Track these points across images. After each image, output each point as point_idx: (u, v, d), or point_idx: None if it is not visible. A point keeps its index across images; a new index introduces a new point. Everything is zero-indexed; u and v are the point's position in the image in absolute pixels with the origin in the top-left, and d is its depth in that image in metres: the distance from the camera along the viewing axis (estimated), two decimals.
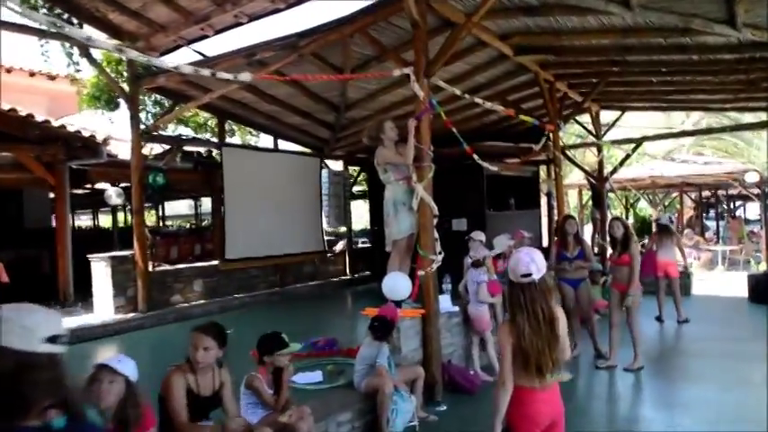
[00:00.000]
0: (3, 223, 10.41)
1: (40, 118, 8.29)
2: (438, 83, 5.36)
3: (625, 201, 21.55)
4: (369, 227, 12.84)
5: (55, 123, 8.39)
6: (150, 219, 20.36)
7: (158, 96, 8.78)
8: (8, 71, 11.26)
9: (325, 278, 12.01)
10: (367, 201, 13.08)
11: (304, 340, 6.31)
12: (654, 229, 9.62)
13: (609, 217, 7.04)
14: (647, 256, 7.54)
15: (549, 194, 10.44)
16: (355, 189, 14.20)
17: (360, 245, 13.95)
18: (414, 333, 5.05)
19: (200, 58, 7.38)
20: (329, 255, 12.15)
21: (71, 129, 8.51)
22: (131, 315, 8.15)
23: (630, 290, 5.62)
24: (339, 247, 13.00)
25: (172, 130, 9.64)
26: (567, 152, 11.05)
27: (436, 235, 5.22)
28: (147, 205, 10.25)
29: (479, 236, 6.59)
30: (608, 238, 6.22)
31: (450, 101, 9.21)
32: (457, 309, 5.84)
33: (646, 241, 10.98)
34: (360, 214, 15.88)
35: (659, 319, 7.90)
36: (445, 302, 5.81)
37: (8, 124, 8.14)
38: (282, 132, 10.80)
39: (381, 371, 4.24)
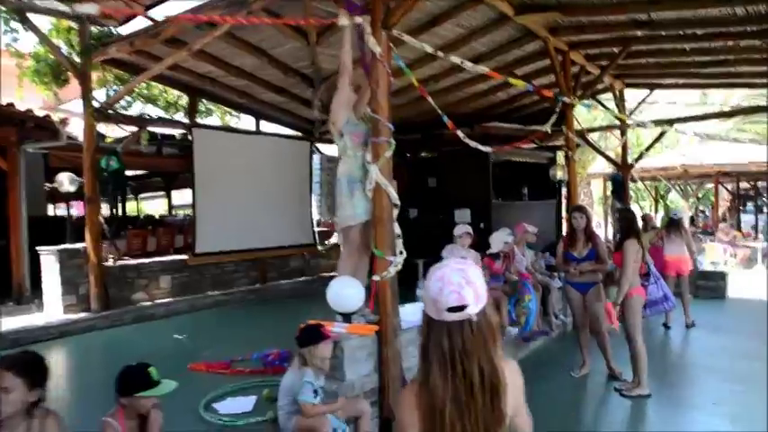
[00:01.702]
0: None
1: None
2: (402, 36, 4.22)
3: (654, 192, 19.99)
4: None
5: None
6: (161, 207, 19.66)
7: (120, 72, 7.79)
8: None
9: (315, 274, 11.00)
10: None
11: (273, 347, 5.35)
12: (660, 224, 8.41)
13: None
14: (651, 253, 6.39)
15: (560, 182, 9.19)
16: None
17: None
18: (365, 356, 3.98)
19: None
20: (321, 248, 11.11)
21: (20, 108, 7.66)
22: (82, 315, 7.26)
23: (618, 294, 4.57)
24: (334, 239, 11.95)
25: (139, 109, 8.73)
26: (587, 136, 9.77)
27: (397, 230, 4.13)
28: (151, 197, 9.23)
29: (460, 231, 5.47)
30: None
31: (446, 74, 8.07)
32: None
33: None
34: None
35: (689, 325, 6.83)
36: (418, 313, 4.72)
37: None
38: (263, 112, 9.78)
39: (306, 409, 3.19)
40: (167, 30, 6.03)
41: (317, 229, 11.24)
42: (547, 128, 6.78)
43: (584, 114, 14.31)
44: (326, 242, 11.56)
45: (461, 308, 1.49)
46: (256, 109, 9.64)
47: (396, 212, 4.11)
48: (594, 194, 19.95)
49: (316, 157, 10.97)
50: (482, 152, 9.30)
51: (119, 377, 2.64)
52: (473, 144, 5.35)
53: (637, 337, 4.54)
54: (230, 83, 8.25)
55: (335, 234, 12.30)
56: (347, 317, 4.14)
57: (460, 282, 1.50)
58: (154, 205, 23.36)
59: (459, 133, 5.14)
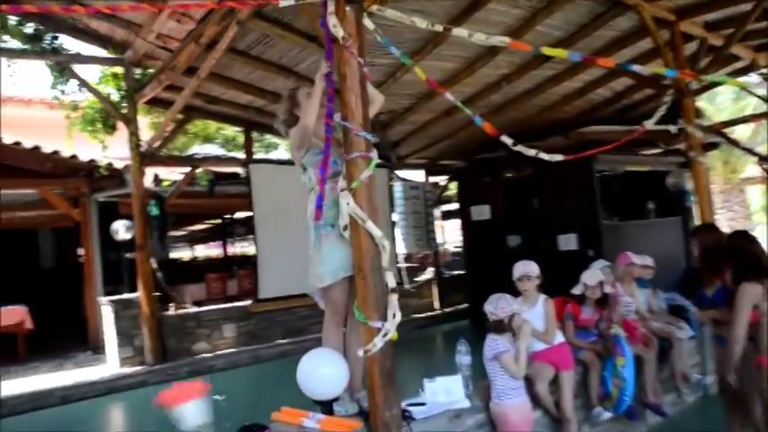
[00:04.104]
0: (18, 264, 10.11)
1: (47, 149, 7.55)
2: (383, 11, 3.07)
3: None
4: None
5: (65, 154, 7.60)
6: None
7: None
8: None
9: (404, 315, 9.78)
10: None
11: None
12: None
13: None
14: None
15: (681, 192, 7.15)
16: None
17: (454, 272, 11.48)
18: None
19: None
20: (408, 287, 9.97)
21: (84, 159, 7.68)
22: (136, 369, 6.86)
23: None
24: (427, 275, 10.77)
25: (197, 149, 8.44)
26: (725, 131, 7.62)
27: (390, 281, 2.91)
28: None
29: (519, 271, 4.01)
30: None
31: (520, 72, 6.67)
32: (468, 403, 3.38)
33: None
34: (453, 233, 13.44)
35: None
36: (454, 390, 3.41)
37: (19, 159, 7.51)
38: None
39: None
40: (181, 57, 5.49)
41: (402, 265, 10.13)
42: (650, 124, 5.09)
43: (730, 106, 11.67)
44: (415, 279, 10.44)
45: None
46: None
47: (385, 257, 2.90)
48: (754, 203, 16.27)
49: (397, 185, 9.95)
50: (586, 165, 7.76)
51: None
52: (530, 152, 3.90)
53: None
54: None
55: (430, 270, 11.17)
56: (327, 405, 2.98)
57: None
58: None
59: (505, 138, 3.76)
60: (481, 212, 9.35)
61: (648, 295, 5.37)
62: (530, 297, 3.97)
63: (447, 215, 10.82)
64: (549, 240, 8.24)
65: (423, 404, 3.26)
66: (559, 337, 3.95)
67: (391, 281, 2.92)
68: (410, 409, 3.11)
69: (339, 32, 2.90)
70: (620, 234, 7.63)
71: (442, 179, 10.97)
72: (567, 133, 7.44)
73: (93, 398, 6.30)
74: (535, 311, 3.91)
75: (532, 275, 3.93)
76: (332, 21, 2.91)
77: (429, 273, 10.77)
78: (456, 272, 11.16)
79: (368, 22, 3.20)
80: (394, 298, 2.90)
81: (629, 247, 6.50)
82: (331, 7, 2.92)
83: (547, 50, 2.92)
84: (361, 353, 2.84)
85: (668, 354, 4.78)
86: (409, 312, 9.97)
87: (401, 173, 10.26)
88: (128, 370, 6.84)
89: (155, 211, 6.87)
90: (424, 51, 5.78)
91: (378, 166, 9.89)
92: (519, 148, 3.84)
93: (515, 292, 3.91)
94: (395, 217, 9.87)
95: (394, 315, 2.87)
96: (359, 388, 3.12)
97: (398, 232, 9.93)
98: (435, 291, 10.38)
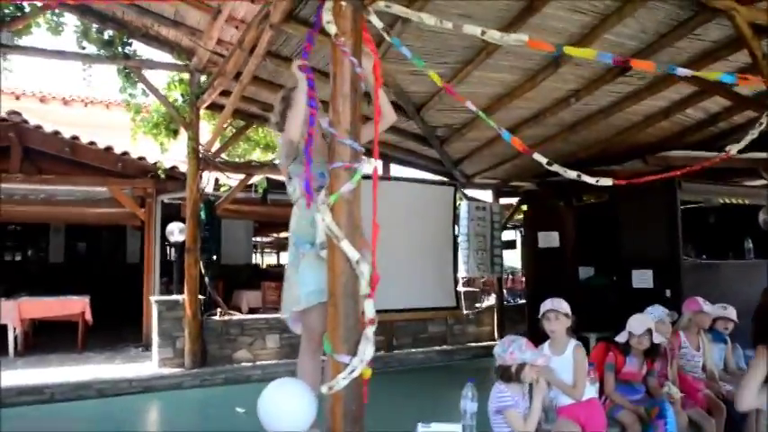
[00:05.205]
0: (104, 259, 10.63)
1: (118, 150, 7.91)
2: (390, 8, 2.73)
3: None
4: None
5: (134, 156, 7.93)
6: None
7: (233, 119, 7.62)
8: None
9: (460, 343, 9.27)
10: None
11: None
12: None
13: None
14: None
15: None
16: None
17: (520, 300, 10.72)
18: None
19: None
20: (467, 312, 9.39)
21: (151, 161, 7.97)
22: (174, 371, 6.89)
23: None
24: (489, 302, 10.13)
25: (257, 155, 8.46)
26: None
27: (369, 311, 2.52)
28: None
29: (545, 307, 3.43)
30: None
31: (590, 87, 6.02)
32: None
33: None
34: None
35: None
36: None
37: (97, 158, 7.93)
38: (391, 155, 8.71)
39: None
40: (229, 63, 5.46)
41: (462, 289, 9.56)
42: (736, 149, 4.29)
43: None
44: (476, 306, 9.83)
45: None
46: (382, 151, 8.64)
47: (364, 284, 2.51)
48: None
49: (463, 205, 9.45)
50: (669, 194, 6.89)
51: None
52: (571, 174, 3.34)
53: None
54: None
55: (493, 296, 10.49)
56: None
57: None
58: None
59: (538, 157, 3.26)
60: (549, 239, 8.64)
61: (726, 351, 4.54)
62: (558, 341, 3.39)
63: (505, 245, 10.13)
64: (622, 275, 7.40)
65: None
66: (591, 392, 3.34)
67: (369, 310, 2.53)
68: None
69: (332, 29, 2.59)
70: (704, 275, 6.67)
71: (512, 201, 10.33)
72: (645, 157, 6.65)
73: (127, 395, 6.38)
74: (563, 359, 3.33)
75: (560, 314, 3.35)
76: (326, 17, 2.61)
77: (491, 299, 10.12)
78: (522, 300, 10.42)
79: (374, 19, 2.88)
80: (369, 331, 2.51)
81: (712, 291, 5.64)
82: (329, 3, 2.63)
83: (570, 50, 2.43)
84: (324, 389, 2.47)
85: (740, 425, 3.94)
86: (465, 340, 9.40)
87: (470, 192, 9.74)
88: (165, 371, 6.89)
89: (201, 215, 6.92)
90: (477, 60, 5.35)
91: (443, 183, 9.45)
92: (556, 167, 3.31)
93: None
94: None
95: (367, 350, 2.47)
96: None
97: (460, 254, 9.41)
98: (496, 319, 9.72)
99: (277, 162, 2.97)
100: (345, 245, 2.47)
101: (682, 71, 2.42)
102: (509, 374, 2.88)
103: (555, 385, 3.34)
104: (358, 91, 2.65)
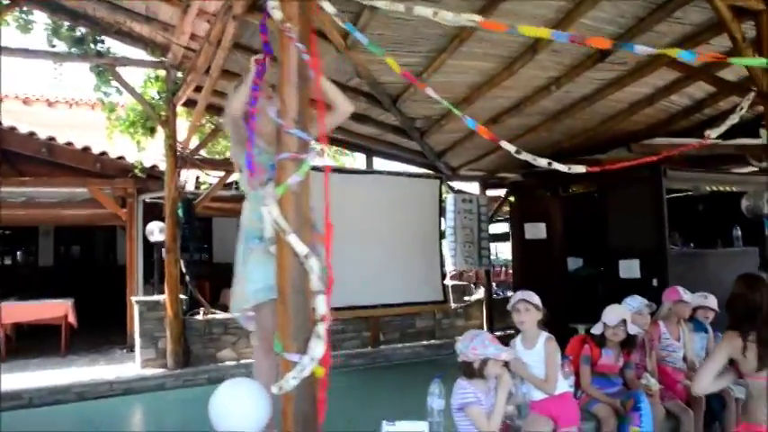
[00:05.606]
0: (94, 261, 10.52)
1: (97, 150, 7.79)
2: None
3: None
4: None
5: (113, 155, 7.81)
6: None
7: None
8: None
9: (448, 337, 9.17)
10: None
11: None
12: None
13: None
14: None
15: (761, 216, 5.97)
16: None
17: (510, 293, 10.61)
18: None
19: None
20: (455, 306, 9.30)
21: (130, 160, 7.85)
22: (156, 372, 6.80)
23: None
24: (477, 295, 10.03)
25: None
26: None
27: (321, 308, 2.41)
28: None
29: (515, 298, 3.35)
30: None
31: (570, 74, 5.90)
32: None
33: None
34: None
35: None
36: None
37: (75, 159, 7.81)
38: (374, 148, 8.59)
39: None
40: (200, 57, 5.35)
41: (450, 282, 9.47)
42: (715, 134, 4.19)
43: None
44: (464, 299, 9.73)
45: None
46: (364, 144, 8.53)
47: (314, 279, 2.41)
48: None
49: (449, 198, 9.35)
50: (654, 182, 6.79)
51: None
52: (541, 162, 3.22)
53: None
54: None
55: (482, 290, 10.40)
56: None
57: None
58: None
59: (506, 145, 3.15)
60: (536, 231, 8.54)
61: (707, 341, 4.44)
62: (529, 334, 3.30)
63: (493, 238, 10.03)
64: (610, 266, 7.31)
65: None
66: (563, 386, 3.24)
67: (321, 307, 2.43)
68: None
69: (278, 15, 2.48)
70: (691, 263, 6.59)
71: (500, 192, 10.22)
72: (629, 145, 6.54)
73: (107, 397, 6.29)
74: (534, 352, 3.24)
75: (530, 304, 3.25)
76: (271, 2, 2.50)
77: (480, 292, 10.03)
78: (511, 293, 10.32)
79: (327, 5, 2.77)
80: (320, 328, 2.40)
81: (698, 279, 5.57)
82: None
83: (524, 29, 2.31)
84: (275, 389, 2.37)
85: (719, 416, 3.86)
86: (454, 334, 9.29)
87: (456, 184, 9.63)
88: (147, 372, 6.79)
89: (179, 213, 6.81)
90: (451, 48, 5.23)
91: (428, 176, 9.32)
92: (525, 156, 3.20)
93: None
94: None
95: (316, 348, 2.37)
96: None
97: (446, 247, 9.33)
98: (485, 312, 9.63)
99: (229, 155, 2.86)
100: (293, 239, 2.37)
101: (639, 48, 2.31)
102: (471, 370, 2.79)
103: (527, 379, 3.26)
104: (307, 80, 2.54)
